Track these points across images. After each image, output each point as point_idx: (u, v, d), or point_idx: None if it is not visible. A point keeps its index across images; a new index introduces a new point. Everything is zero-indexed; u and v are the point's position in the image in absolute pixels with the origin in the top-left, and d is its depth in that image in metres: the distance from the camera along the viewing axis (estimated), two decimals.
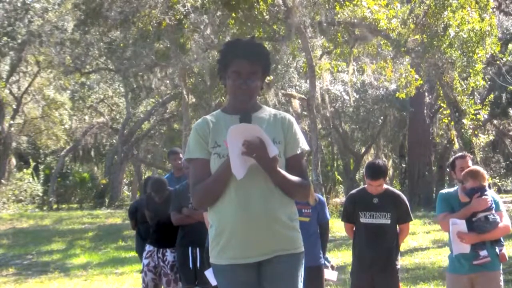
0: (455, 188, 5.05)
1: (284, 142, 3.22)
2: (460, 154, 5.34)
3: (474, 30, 14.29)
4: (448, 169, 5.36)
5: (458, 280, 4.81)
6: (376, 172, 5.30)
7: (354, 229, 5.54)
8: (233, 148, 3.02)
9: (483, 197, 4.73)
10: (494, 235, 4.78)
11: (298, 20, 15.09)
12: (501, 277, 4.86)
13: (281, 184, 3.14)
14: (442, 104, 17.41)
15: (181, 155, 7.98)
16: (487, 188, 4.84)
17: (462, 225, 4.68)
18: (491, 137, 20.94)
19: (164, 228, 6.78)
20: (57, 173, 29.64)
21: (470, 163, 5.12)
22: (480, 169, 4.91)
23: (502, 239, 4.95)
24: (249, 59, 3.19)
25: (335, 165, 34.70)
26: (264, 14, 16.13)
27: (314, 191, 6.14)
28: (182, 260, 6.39)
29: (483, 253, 4.68)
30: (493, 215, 4.74)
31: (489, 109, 19.14)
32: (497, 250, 4.81)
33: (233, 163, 3.03)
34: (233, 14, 16.09)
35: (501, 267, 4.89)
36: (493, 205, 4.77)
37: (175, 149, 9.32)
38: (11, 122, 28.74)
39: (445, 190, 5.17)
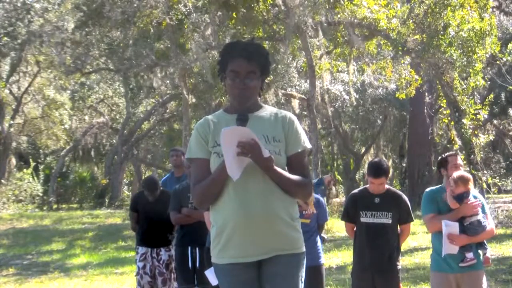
0: (439, 185, 5.07)
1: (285, 141, 3.23)
2: (451, 152, 5.34)
3: (474, 30, 14.28)
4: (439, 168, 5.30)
5: (445, 278, 4.85)
6: (378, 170, 5.31)
7: (354, 229, 5.54)
8: (228, 150, 3.03)
9: (472, 202, 4.79)
10: (481, 238, 4.88)
11: (298, 20, 15.09)
12: (484, 277, 4.97)
13: (279, 182, 3.14)
14: (442, 104, 17.41)
15: (180, 153, 7.99)
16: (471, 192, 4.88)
17: (454, 227, 4.73)
18: (491, 137, 20.91)
19: (156, 227, 6.79)
20: (57, 173, 29.65)
21: (460, 161, 5.17)
22: (469, 174, 4.95)
23: (485, 243, 5.03)
24: (246, 59, 3.19)
25: (335, 165, 34.72)
26: (264, 14, 16.14)
27: (314, 191, 6.14)
28: (181, 260, 6.38)
29: (469, 255, 4.77)
30: (484, 219, 4.82)
31: (489, 109, 19.13)
32: (480, 253, 4.91)
33: (228, 165, 3.04)
34: (233, 15, 16.10)
35: (495, 267, 5.00)
36: (479, 210, 4.82)
37: (175, 147, 9.40)
38: (11, 122, 28.73)
39: (430, 189, 5.15)
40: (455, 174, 4.85)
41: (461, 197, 4.77)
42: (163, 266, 6.78)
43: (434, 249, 4.96)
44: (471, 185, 4.83)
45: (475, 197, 4.90)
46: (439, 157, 5.25)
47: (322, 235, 6.35)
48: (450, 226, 4.72)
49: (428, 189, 5.14)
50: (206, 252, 5.60)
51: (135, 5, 16.85)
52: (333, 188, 6.68)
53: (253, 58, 3.22)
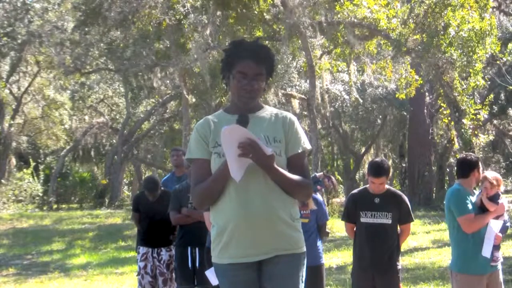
0: (456, 184, 5.04)
1: (285, 141, 3.23)
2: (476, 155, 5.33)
3: (474, 30, 14.28)
4: (461, 169, 5.14)
5: (479, 280, 4.86)
6: (379, 169, 5.30)
7: (354, 229, 5.54)
8: (229, 151, 3.03)
9: (502, 201, 4.86)
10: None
11: (297, 20, 15.08)
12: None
13: (280, 182, 3.14)
14: (442, 104, 17.40)
15: (181, 153, 7.99)
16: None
17: (499, 226, 4.79)
18: (491, 137, 20.89)
19: (157, 227, 6.80)
20: (57, 173, 29.62)
21: None
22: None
23: None
24: (255, 61, 3.20)
25: (335, 165, 34.73)
26: (265, 14, 16.14)
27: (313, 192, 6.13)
28: (181, 260, 6.38)
29: (497, 254, 4.86)
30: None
31: (489, 109, 19.12)
32: None
33: (230, 167, 3.04)
34: (233, 14, 16.09)
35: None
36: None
37: (176, 147, 9.41)
38: (11, 122, 28.72)
39: (457, 188, 5.01)
40: (490, 175, 4.88)
41: (497, 198, 4.82)
42: (164, 266, 6.78)
43: (465, 250, 4.89)
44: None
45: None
46: (470, 157, 5.10)
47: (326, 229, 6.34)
48: (497, 226, 4.76)
49: (454, 188, 5.03)
50: (207, 252, 5.59)
51: (134, 4, 16.84)
52: (334, 181, 6.58)
53: (262, 61, 3.23)
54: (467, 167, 4.98)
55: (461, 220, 4.86)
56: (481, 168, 5.02)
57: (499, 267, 4.97)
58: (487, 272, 4.85)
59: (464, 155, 5.28)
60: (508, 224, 4.96)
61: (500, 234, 4.82)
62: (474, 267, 4.84)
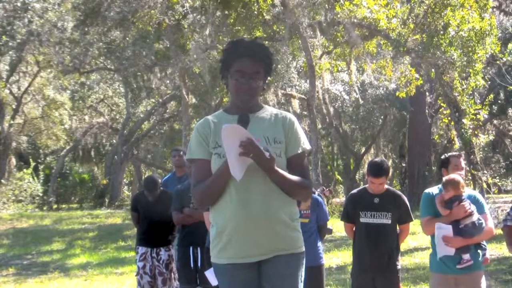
0: (437, 186, 4.99)
1: (285, 142, 3.23)
2: (455, 152, 5.34)
3: (474, 30, 14.28)
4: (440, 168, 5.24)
5: (444, 279, 4.83)
6: (379, 169, 5.30)
7: (354, 229, 5.53)
8: (230, 150, 3.03)
9: (462, 204, 4.69)
10: (480, 239, 4.84)
11: (297, 20, 15.08)
12: (483, 277, 4.93)
13: (280, 183, 3.14)
14: (442, 104, 17.40)
15: (182, 153, 7.99)
16: (464, 195, 4.76)
17: (448, 229, 4.69)
18: (491, 137, 20.90)
19: (156, 227, 6.80)
20: (57, 173, 29.62)
21: (463, 163, 5.15)
22: (460, 178, 4.84)
23: (484, 243, 5.01)
24: (252, 59, 3.20)
25: (335, 165, 34.73)
26: (264, 14, 16.14)
27: (313, 192, 6.13)
28: (183, 261, 6.38)
29: (466, 257, 4.74)
30: (480, 219, 4.75)
31: (489, 109, 19.12)
32: (480, 254, 4.87)
33: (231, 165, 3.04)
34: (233, 15, 16.09)
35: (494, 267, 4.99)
36: (473, 211, 4.72)
37: (177, 147, 9.44)
38: (11, 122, 28.72)
39: (429, 190, 5.03)
40: (445, 177, 4.80)
41: (451, 202, 4.70)
42: (163, 266, 6.78)
43: (433, 250, 4.94)
44: (462, 188, 4.74)
45: (473, 197, 4.86)
46: (442, 156, 5.17)
47: (328, 226, 6.35)
48: (442, 229, 4.69)
49: (426, 191, 5.04)
50: (207, 252, 5.59)
51: (133, 5, 16.84)
52: (331, 192, 6.61)
53: (259, 58, 3.22)
54: (440, 167, 5.01)
55: (421, 222, 4.94)
56: (456, 166, 4.97)
57: (478, 269, 4.83)
58: (452, 273, 4.77)
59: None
60: (479, 226, 4.74)
61: (457, 237, 4.65)
62: (438, 266, 4.85)
